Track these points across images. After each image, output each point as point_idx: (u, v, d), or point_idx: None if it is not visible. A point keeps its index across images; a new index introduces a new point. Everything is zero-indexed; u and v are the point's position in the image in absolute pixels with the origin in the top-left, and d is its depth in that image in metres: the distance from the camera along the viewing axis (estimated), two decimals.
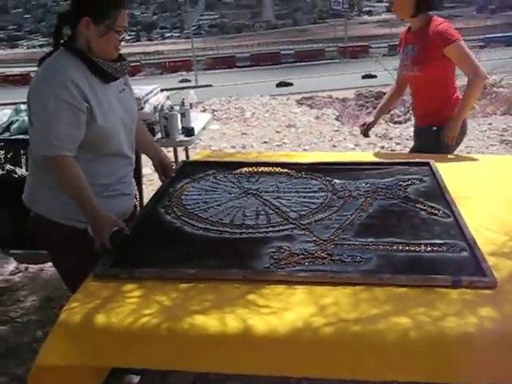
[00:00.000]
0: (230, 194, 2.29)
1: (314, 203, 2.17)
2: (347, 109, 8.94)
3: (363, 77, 22.91)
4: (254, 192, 2.28)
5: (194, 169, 2.60)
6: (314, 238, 1.89)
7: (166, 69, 50.99)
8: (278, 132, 6.98)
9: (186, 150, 3.79)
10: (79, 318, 1.56)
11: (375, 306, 1.54)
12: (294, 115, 8.08)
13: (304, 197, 2.23)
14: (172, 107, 3.46)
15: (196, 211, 2.13)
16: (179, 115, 3.46)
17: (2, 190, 3.68)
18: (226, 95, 10.19)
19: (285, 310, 1.53)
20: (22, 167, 3.68)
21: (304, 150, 6.13)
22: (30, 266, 3.57)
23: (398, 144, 6.09)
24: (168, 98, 3.70)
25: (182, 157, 3.92)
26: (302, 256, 1.78)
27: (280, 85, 21.27)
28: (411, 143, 6.37)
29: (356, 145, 6.25)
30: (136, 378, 2.31)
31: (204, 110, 8.00)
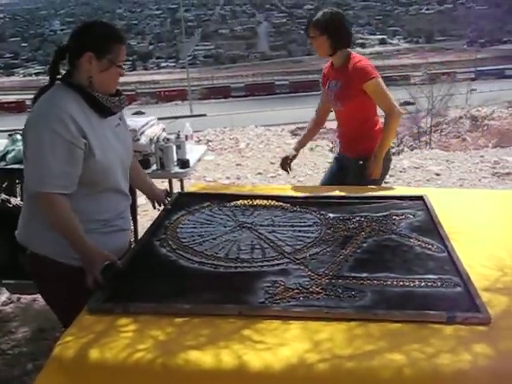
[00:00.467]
0: (225, 227, 2.30)
1: (308, 237, 2.18)
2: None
3: None
4: (249, 225, 2.30)
5: (189, 201, 2.61)
6: (309, 273, 1.90)
7: (161, 98, 51.45)
8: (272, 163, 7.03)
9: (181, 180, 3.80)
10: (73, 352, 1.55)
11: (370, 342, 1.54)
12: (288, 146, 8.14)
13: (299, 231, 2.24)
14: (168, 139, 3.49)
15: (191, 244, 2.14)
16: (175, 147, 3.48)
17: None
18: (220, 125, 10.28)
19: (280, 346, 1.53)
20: (16, 197, 3.68)
21: (298, 181, 6.17)
22: (23, 296, 3.54)
23: (391, 176, 6.14)
24: (164, 129, 3.73)
25: (176, 187, 3.94)
26: (296, 291, 1.78)
27: None
28: (405, 175, 6.51)
29: None
30: None
31: (199, 141, 8.06)
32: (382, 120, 3.11)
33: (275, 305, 1.70)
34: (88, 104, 1.95)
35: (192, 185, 3.22)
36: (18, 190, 3.68)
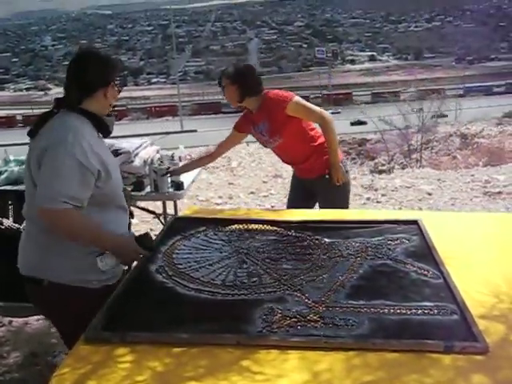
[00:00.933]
0: (221, 252, 2.30)
1: (304, 263, 2.18)
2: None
3: (352, 124, 23.52)
4: (245, 251, 2.30)
5: (184, 225, 2.61)
6: (306, 300, 1.90)
7: (152, 114, 51.54)
8: (264, 182, 7.05)
9: (175, 202, 3.81)
10: None
11: (368, 372, 1.54)
12: (280, 165, 8.18)
13: (295, 256, 2.25)
14: (162, 161, 3.49)
15: (188, 271, 2.13)
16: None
17: None
18: (211, 141, 10.29)
19: (278, 377, 1.52)
20: (8, 218, 3.66)
21: None
22: (14, 319, 3.51)
23: (383, 195, 6.18)
24: (158, 151, 3.74)
25: (169, 207, 3.94)
26: (294, 319, 1.78)
27: None
28: (397, 194, 6.54)
29: None
30: None
31: (191, 159, 8.07)
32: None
33: (273, 334, 1.70)
34: (96, 127, 2.09)
35: (187, 208, 3.21)
36: (11, 211, 3.66)
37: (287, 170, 7.93)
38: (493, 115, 22.45)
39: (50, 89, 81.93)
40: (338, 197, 3.33)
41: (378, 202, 6.09)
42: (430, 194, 6.34)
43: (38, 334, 3.28)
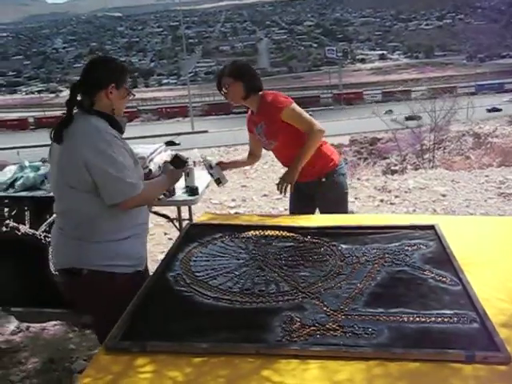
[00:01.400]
0: (239, 259, 2.30)
1: (322, 270, 2.18)
2: (346, 164, 8.99)
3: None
4: (262, 258, 2.30)
5: (200, 232, 2.62)
6: (325, 309, 1.90)
7: (163, 115, 51.69)
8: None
9: (189, 207, 3.81)
10: None
11: (390, 382, 1.53)
12: None
13: (312, 263, 2.24)
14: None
15: (205, 279, 2.14)
16: (183, 174, 3.49)
17: (4, 248, 3.69)
18: (222, 141, 10.30)
19: None
20: (25, 224, 3.69)
21: None
22: (32, 325, 3.53)
23: (396, 197, 6.15)
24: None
25: (184, 211, 3.95)
26: (313, 328, 1.78)
27: None
28: (410, 196, 6.51)
29: (356, 198, 6.31)
30: None
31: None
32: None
33: (293, 343, 1.70)
34: (112, 127, 2.24)
35: (202, 213, 3.21)
36: (28, 217, 3.69)
37: None
38: (505, 113, 22.29)
39: (61, 91, 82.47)
40: (336, 200, 3.30)
41: (391, 203, 6.06)
42: (444, 196, 6.30)
43: (55, 339, 3.30)
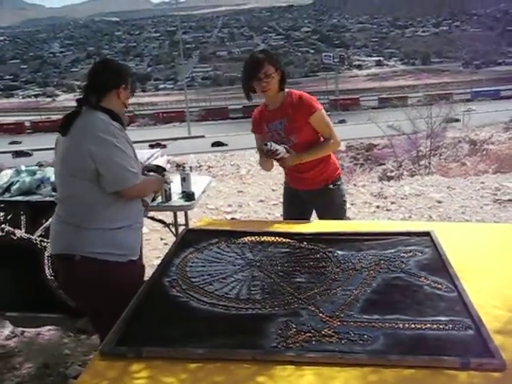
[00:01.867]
0: (235, 265, 2.30)
1: (318, 276, 2.18)
2: (342, 169, 8.99)
3: None
4: (258, 264, 2.30)
5: (196, 237, 2.62)
6: (320, 315, 1.90)
7: (160, 120, 51.68)
8: (273, 190, 7.04)
9: (186, 212, 3.81)
10: None
11: None
12: None
13: (308, 269, 2.24)
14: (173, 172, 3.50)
15: (201, 284, 2.14)
16: (180, 180, 3.50)
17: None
18: (219, 147, 10.29)
19: None
20: (21, 229, 3.69)
21: None
22: (26, 329, 3.52)
23: (392, 203, 6.16)
24: (168, 161, 3.75)
25: (180, 215, 3.95)
26: (309, 334, 1.78)
27: None
28: (406, 202, 6.52)
29: (352, 204, 6.32)
30: None
31: (199, 166, 8.08)
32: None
33: (288, 349, 1.70)
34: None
35: (198, 219, 3.22)
36: (23, 222, 3.68)
37: None
38: (500, 119, 22.37)
39: (57, 95, 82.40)
40: (338, 207, 3.26)
41: (387, 209, 6.07)
42: (439, 202, 6.31)
43: (50, 344, 3.29)
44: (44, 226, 3.59)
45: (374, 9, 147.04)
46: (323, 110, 3.09)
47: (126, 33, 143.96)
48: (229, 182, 7.62)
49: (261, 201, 6.58)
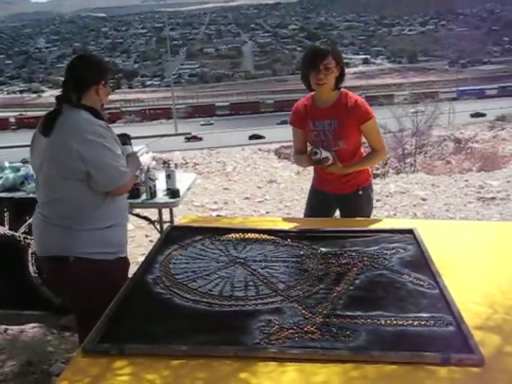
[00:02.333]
0: (218, 262, 2.30)
1: (301, 273, 2.19)
2: None
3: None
4: (242, 261, 2.30)
5: (180, 234, 2.62)
6: (303, 312, 1.91)
7: (146, 116, 51.48)
8: (259, 187, 7.05)
9: (171, 209, 3.80)
10: None
11: None
12: (274, 170, 8.19)
13: (292, 266, 2.26)
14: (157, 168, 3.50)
15: (185, 281, 2.13)
16: (165, 177, 3.50)
17: None
18: (205, 144, 10.31)
19: None
20: (4, 226, 3.66)
21: (286, 206, 6.19)
22: (10, 327, 3.49)
23: (378, 201, 6.19)
24: (154, 158, 3.74)
25: (165, 212, 3.94)
26: (291, 331, 1.79)
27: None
28: (391, 200, 6.56)
29: None
30: None
31: (186, 163, 8.07)
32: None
33: (271, 346, 1.71)
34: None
35: (183, 216, 3.21)
36: (7, 218, 3.65)
37: (281, 175, 7.96)
38: (485, 118, 22.58)
39: (43, 91, 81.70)
40: (363, 215, 3.12)
41: (373, 207, 6.08)
42: (424, 200, 6.36)
43: (33, 342, 3.27)
44: (28, 222, 3.57)
45: (361, 7, 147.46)
46: (375, 119, 2.99)
47: (112, 29, 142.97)
48: (215, 180, 7.61)
49: (246, 198, 6.58)
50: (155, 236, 4.52)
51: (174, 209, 3.81)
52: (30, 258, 3.59)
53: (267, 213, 5.95)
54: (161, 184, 3.53)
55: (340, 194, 3.15)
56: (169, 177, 3.51)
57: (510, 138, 11.50)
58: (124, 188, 2.39)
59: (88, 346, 1.74)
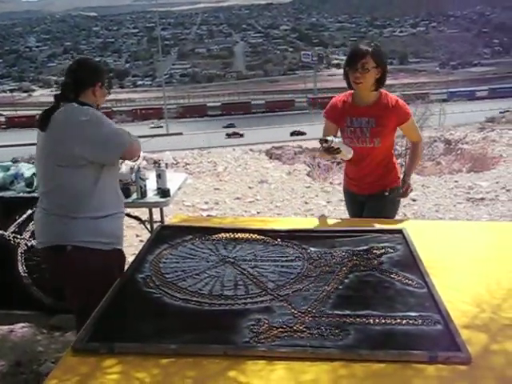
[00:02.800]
0: (208, 262, 2.31)
1: (291, 273, 2.20)
2: (319, 167, 9.02)
3: None
4: (232, 260, 2.31)
5: (171, 234, 2.62)
6: (293, 310, 1.92)
7: (137, 116, 51.35)
8: (250, 188, 7.05)
9: (161, 209, 3.80)
10: None
11: (354, 383, 1.56)
12: (265, 170, 8.20)
13: (281, 266, 2.26)
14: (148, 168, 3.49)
15: (175, 280, 2.14)
16: (155, 176, 3.50)
17: None
18: (196, 143, 10.31)
19: None
20: None
21: (276, 206, 6.20)
22: None
23: None
24: (144, 158, 3.74)
25: (155, 212, 3.94)
26: (280, 329, 1.80)
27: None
28: None
29: (328, 202, 6.36)
30: None
31: (176, 163, 8.05)
32: None
33: (260, 344, 1.72)
34: None
35: (173, 215, 3.21)
36: None
37: (272, 176, 7.97)
38: (475, 119, 22.70)
39: (34, 90, 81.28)
40: (386, 216, 3.06)
41: None
42: (414, 200, 6.39)
43: (23, 341, 3.26)
44: (17, 222, 3.56)
45: (353, 8, 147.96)
46: (412, 116, 3.10)
47: (103, 28, 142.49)
48: (205, 180, 7.61)
49: (237, 198, 6.59)
50: (145, 236, 4.51)
51: (164, 209, 3.81)
52: (19, 257, 3.58)
53: (258, 213, 5.95)
54: (151, 184, 3.53)
55: (366, 195, 3.15)
56: (159, 176, 3.51)
57: (500, 140, 11.60)
58: (133, 148, 2.49)
59: (77, 344, 1.74)
